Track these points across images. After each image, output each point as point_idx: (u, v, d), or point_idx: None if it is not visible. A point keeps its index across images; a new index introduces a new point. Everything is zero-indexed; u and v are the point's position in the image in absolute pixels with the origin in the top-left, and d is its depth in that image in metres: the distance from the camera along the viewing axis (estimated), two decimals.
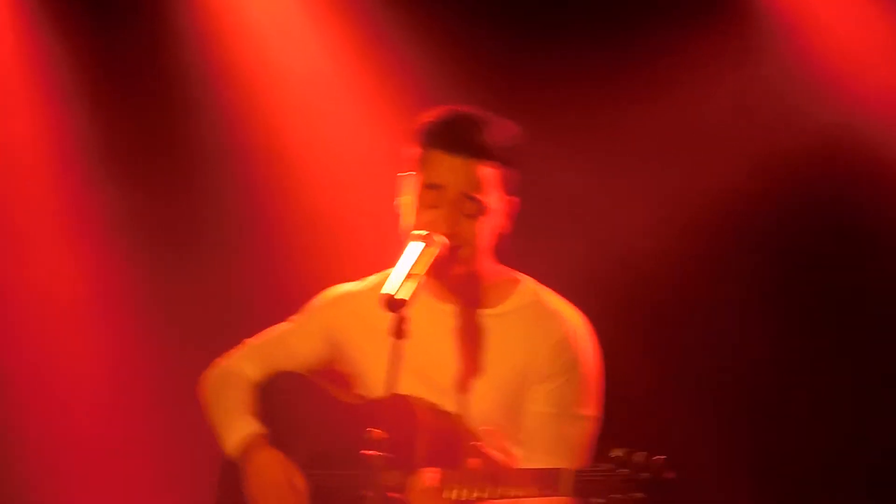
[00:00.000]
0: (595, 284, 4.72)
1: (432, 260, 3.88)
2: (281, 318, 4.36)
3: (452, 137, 4.02)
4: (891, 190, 5.60)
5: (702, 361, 5.74)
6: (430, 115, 4.09)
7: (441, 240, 3.93)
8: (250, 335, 4.38)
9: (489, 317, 4.10)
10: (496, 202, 4.05)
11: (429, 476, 3.84)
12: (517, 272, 4.18)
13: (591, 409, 4.07)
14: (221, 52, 6.18)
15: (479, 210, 4.01)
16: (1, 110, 6.20)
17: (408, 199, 4.09)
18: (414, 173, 4.08)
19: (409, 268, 3.81)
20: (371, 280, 4.26)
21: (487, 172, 4.02)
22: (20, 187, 6.23)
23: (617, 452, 3.59)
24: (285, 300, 4.49)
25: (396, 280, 3.77)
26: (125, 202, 6.26)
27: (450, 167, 4.01)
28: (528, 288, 4.15)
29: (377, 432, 3.70)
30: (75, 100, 6.23)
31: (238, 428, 4.19)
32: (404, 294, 3.73)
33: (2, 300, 6.27)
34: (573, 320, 4.11)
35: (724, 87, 5.72)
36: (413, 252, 3.87)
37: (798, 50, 5.68)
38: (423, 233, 3.93)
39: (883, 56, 5.61)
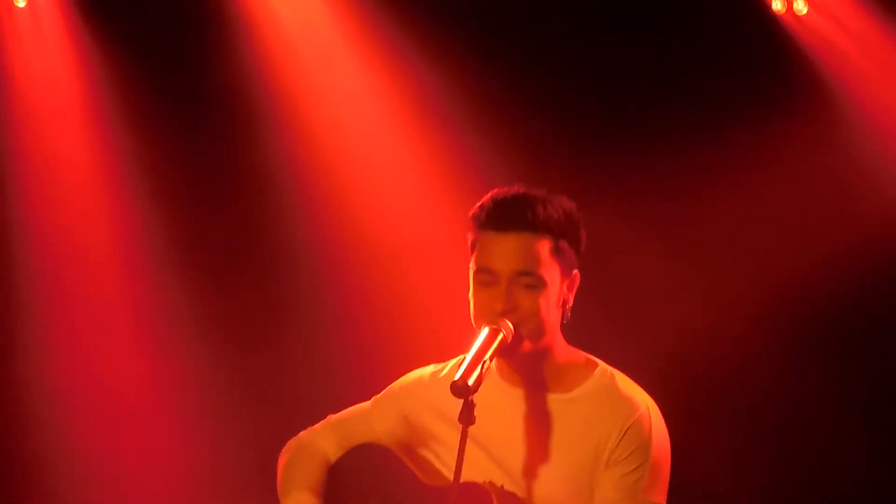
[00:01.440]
0: (664, 373, 4.75)
1: (498, 345, 3.93)
2: (364, 397, 4.43)
3: (500, 215, 4.05)
4: None
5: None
6: (481, 201, 4.12)
7: (508, 326, 3.98)
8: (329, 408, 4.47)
9: (561, 402, 4.12)
10: (554, 276, 4.04)
11: None
12: (591, 356, 4.20)
13: (660, 497, 4.08)
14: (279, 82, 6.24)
15: (536, 284, 4.01)
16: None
17: (472, 288, 4.12)
18: (471, 261, 4.12)
19: (477, 354, 3.89)
20: (449, 364, 4.32)
21: (540, 246, 4.03)
22: (91, 280, 6.30)
23: None
24: (369, 379, 4.57)
25: (464, 367, 3.85)
26: (179, 233, 6.30)
27: (500, 245, 4.03)
28: (603, 372, 4.15)
29: None
30: (128, 135, 6.28)
31: (292, 501, 4.22)
32: (471, 381, 3.81)
33: (73, 392, 6.31)
34: (646, 406, 4.11)
35: (784, 172, 5.78)
36: (480, 338, 3.95)
37: (876, 133, 5.75)
38: (493, 324, 3.98)
39: None
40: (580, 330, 4.23)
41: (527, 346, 4.04)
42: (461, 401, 3.83)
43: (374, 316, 6.23)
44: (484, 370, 3.85)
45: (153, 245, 6.31)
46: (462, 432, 3.82)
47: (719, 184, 5.84)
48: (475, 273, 4.08)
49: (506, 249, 4.04)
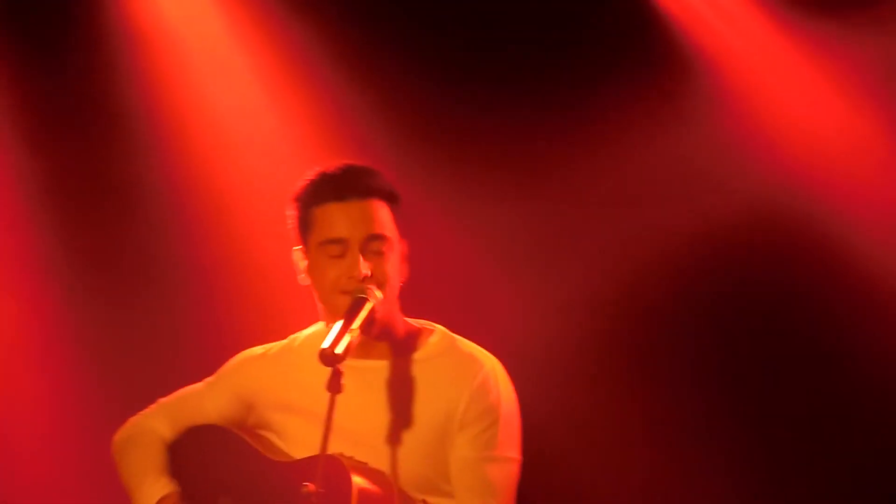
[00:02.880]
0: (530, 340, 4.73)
1: (366, 314, 3.89)
2: (201, 377, 4.36)
3: (340, 185, 4.04)
4: (823, 256, 5.63)
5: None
6: (305, 179, 4.09)
7: (375, 293, 3.94)
8: (165, 392, 4.38)
9: (405, 366, 4.09)
10: (395, 241, 4.05)
11: None
12: (428, 321, 4.18)
13: (513, 452, 4.08)
14: (164, 90, 6.15)
15: (385, 249, 4.01)
16: None
17: (308, 266, 4.08)
18: (304, 240, 4.08)
19: (345, 322, 3.84)
20: (281, 343, 4.27)
21: (383, 211, 4.04)
22: None
23: None
24: (209, 356, 4.49)
25: (332, 335, 3.80)
26: (62, 242, 6.21)
27: (346, 213, 4.02)
28: (443, 334, 4.14)
29: (312, 486, 3.70)
30: (12, 139, 6.19)
31: (149, 489, 4.16)
32: (339, 349, 3.77)
33: None
34: (490, 363, 4.10)
35: (663, 146, 5.74)
36: (349, 308, 3.90)
37: (739, 114, 5.73)
38: (358, 293, 3.93)
39: (824, 126, 5.68)
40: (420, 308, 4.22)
41: (381, 312, 3.98)
42: (316, 372, 3.81)
43: (202, 302, 6.16)
44: (354, 338, 3.81)
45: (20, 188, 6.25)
46: (330, 401, 3.75)
47: (582, 159, 5.82)
48: (321, 247, 4.03)
49: (353, 216, 4.02)
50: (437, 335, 4.14)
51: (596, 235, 5.78)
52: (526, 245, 5.83)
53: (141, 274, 6.18)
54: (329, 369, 3.78)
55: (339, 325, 3.84)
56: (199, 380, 5.44)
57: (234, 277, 6.11)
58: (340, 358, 3.77)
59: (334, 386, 3.78)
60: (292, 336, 4.24)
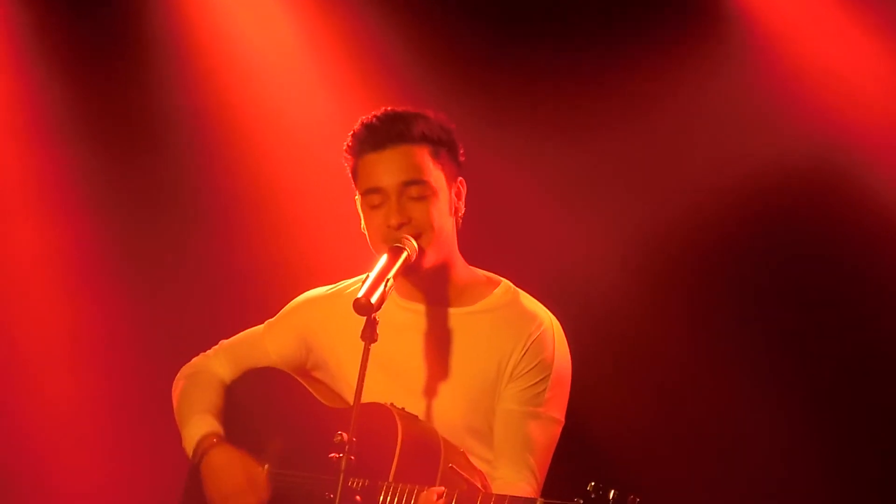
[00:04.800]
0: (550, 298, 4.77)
1: (403, 262, 3.93)
2: (258, 321, 4.39)
3: (374, 135, 4.07)
4: (861, 213, 5.56)
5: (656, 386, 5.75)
6: (353, 129, 4.13)
7: (412, 243, 3.97)
8: (226, 337, 4.40)
9: (464, 315, 4.12)
10: (440, 183, 4.05)
11: (437, 494, 3.84)
12: (495, 275, 4.20)
13: (559, 413, 4.11)
14: (207, 73, 6.17)
15: (425, 194, 4.03)
16: None
17: (363, 217, 4.12)
18: (356, 190, 4.12)
19: (380, 272, 3.88)
20: (344, 284, 4.29)
21: (421, 155, 4.04)
22: None
23: (592, 486, 3.56)
24: (263, 304, 4.52)
25: (367, 284, 3.84)
26: (110, 222, 6.25)
27: (381, 163, 4.05)
28: (507, 288, 4.17)
29: (344, 436, 3.75)
30: (45, 76, 6.20)
31: (193, 428, 4.19)
32: (374, 298, 3.80)
33: None
34: (549, 322, 4.14)
35: (691, 102, 5.70)
36: (384, 257, 3.94)
37: (775, 68, 5.66)
38: (395, 242, 3.97)
39: (861, 81, 5.59)
40: (481, 254, 4.23)
41: (429, 258, 4.03)
42: (363, 319, 3.81)
43: (266, 242, 6.16)
44: (388, 288, 3.84)
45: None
46: (364, 350, 3.80)
47: (611, 113, 5.78)
48: (363, 198, 4.09)
49: (388, 164, 4.05)
50: (502, 288, 4.17)
51: (633, 188, 5.79)
52: (576, 189, 5.82)
53: (181, 239, 6.23)
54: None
55: (374, 273, 3.88)
56: (209, 309, 5.43)
57: (276, 237, 6.14)
58: (375, 308, 3.81)
59: (368, 335, 3.81)
60: (358, 277, 4.23)
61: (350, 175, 4.14)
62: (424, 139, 4.05)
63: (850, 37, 5.62)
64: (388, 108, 4.10)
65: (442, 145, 4.08)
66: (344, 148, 4.12)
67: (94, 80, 6.19)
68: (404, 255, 3.94)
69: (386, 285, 3.84)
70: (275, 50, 6.12)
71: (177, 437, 4.27)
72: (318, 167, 5.94)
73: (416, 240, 3.99)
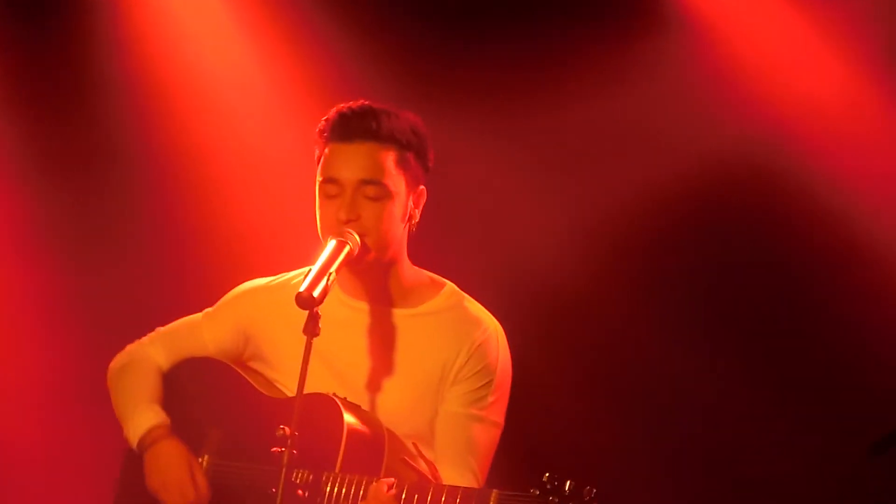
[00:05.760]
0: (499, 290, 4.74)
1: (344, 257, 3.91)
2: (194, 310, 4.35)
3: (345, 127, 4.04)
4: (796, 203, 5.66)
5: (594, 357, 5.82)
6: (328, 114, 4.10)
7: (354, 238, 3.96)
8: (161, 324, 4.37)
9: (407, 317, 4.11)
10: (399, 188, 4.04)
11: (388, 485, 3.82)
12: (438, 276, 4.20)
13: (499, 417, 4.12)
14: (138, 48, 6.11)
15: (380, 195, 4.01)
16: None
17: (318, 203, 4.09)
18: (317, 174, 4.09)
19: (322, 266, 3.86)
20: (287, 276, 4.26)
21: (385, 156, 4.02)
22: None
23: (547, 477, 3.57)
24: (203, 296, 4.46)
25: (310, 278, 3.81)
26: (44, 203, 6.19)
27: (345, 155, 4.03)
28: (452, 291, 4.17)
29: (286, 429, 3.74)
30: None
31: (140, 418, 4.14)
32: (316, 292, 3.78)
33: None
34: (494, 328, 4.15)
35: (636, 92, 5.75)
36: (327, 250, 3.91)
37: (714, 60, 5.72)
38: (339, 236, 3.95)
39: (796, 69, 5.66)
40: (427, 250, 4.23)
41: (371, 257, 4.02)
42: (305, 312, 3.80)
43: (205, 230, 6.13)
44: (330, 282, 3.83)
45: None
46: (306, 344, 3.79)
47: (569, 103, 5.81)
48: (321, 185, 4.07)
49: (350, 159, 4.02)
50: (447, 291, 4.17)
51: (565, 179, 5.83)
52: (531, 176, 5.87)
53: (117, 227, 6.19)
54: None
55: (316, 267, 3.86)
56: (146, 296, 5.37)
57: (217, 228, 6.10)
58: (317, 301, 3.79)
59: (310, 329, 3.79)
60: (299, 270, 4.22)
61: (316, 159, 4.11)
62: (392, 140, 4.03)
63: (789, 29, 5.66)
64: (365, 102, 4.08)
65: (409, 149, 4.06)
66: (316, 130, 4.10)
67: (31, 49, 6.13)
68: (346, 249, 3.92)
69: (328, 279, 3.82)
70: (201, 14, 6.08)
71: (110, 423, 4.23)
72: (264, 159, 5.94)
73: (363, 237, 3.97)
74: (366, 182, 3.99)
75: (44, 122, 6.17)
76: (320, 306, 3.79)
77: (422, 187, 4.11)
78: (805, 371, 5.65)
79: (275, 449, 3.75)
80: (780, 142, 5.63)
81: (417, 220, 4.11)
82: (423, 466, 4.01)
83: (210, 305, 4.32)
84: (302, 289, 3.78)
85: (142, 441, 4.12)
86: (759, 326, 5.70)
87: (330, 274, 3.83)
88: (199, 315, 4.32)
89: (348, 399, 4.02)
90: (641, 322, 5.78)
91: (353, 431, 3.92)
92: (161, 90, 6.11)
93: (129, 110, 6.14)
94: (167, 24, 6.09)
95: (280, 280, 4.25)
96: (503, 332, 4.17)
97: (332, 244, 3.93)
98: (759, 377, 5.67)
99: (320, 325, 3.79)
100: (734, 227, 5.71)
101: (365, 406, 4.05)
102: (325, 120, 4.09)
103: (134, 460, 4.15)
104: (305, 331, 3.78)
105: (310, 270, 3.86)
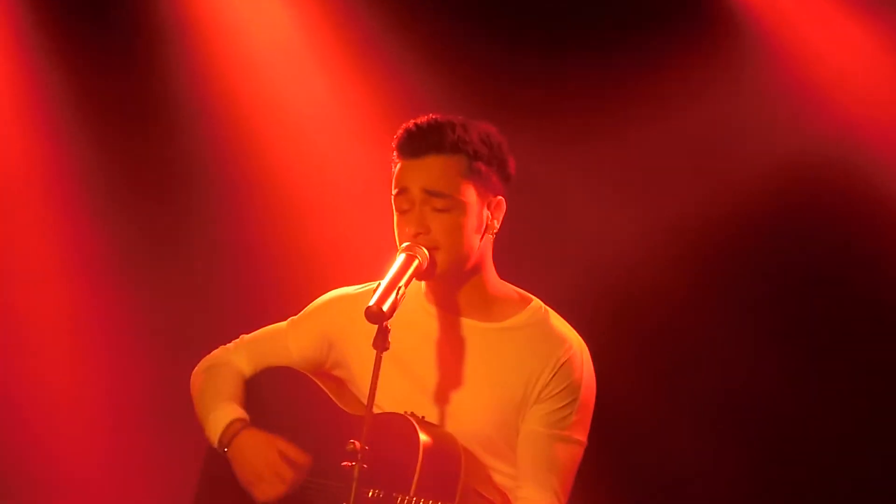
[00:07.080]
0: (583, 302, 4.71)
1: (413, 271, 3.90)
2: (275, 317, 4.35)
3: (412, 141, 4.03)
4: (872, 207, 5.62)
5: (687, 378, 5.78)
6: (399, 130, 4.09)
7: (423, 252, 3.94)
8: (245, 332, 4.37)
9: (492, 331, 4.07)
10: (470, 198, 4.00)
11: None
12: (525, 292, 4.16)
13: (582, 436, 4.08)
14: (215, 72, 6.18)
15: (448, 206, 3.98)
16: None
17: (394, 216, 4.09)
18: (392, 189, 4.09)
19: (391, 280, 3.85)
20: (372, 285, 4.16)
21: (451, 167, 4.00)
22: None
23: None
24: (288, 303, 4.47)
25: (379, 293, 3.81)
26: (119, 221, 6.25)
27: (411, 170, 4.02)
28: (537, 308, 4.12)
29: (357, 444, 3.72)
30: (46, 66, 6.19)
31: (219, 413, 4.14)
32: (385, 306, 3.77)
33: None
34: (578, 345, 4.10)
35: (713, 103, 5.74)
36: (396, 264, 3.91)
37: (786, 70, 5.70)
38: (407, 244, 3.96)
39: (870, 80, 5.64)
40: (509, 263, 4.20)
41: (445, 270, 3.99)
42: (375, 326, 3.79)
43: (293, 240, 6.15)
44: (399, 296, 3.81)
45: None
46: (376, 358, 3.78)
47: (634, 117, 5.81)
48: (394, 199, 4.06)
49: (416, 173, 4.01)
50: (533, 307, 4.13)
51: (647, 191, 5.83)
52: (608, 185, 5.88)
53: (202, 236, 6.25)
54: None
55: (385, 281, 3.85)
56: (231, 304, 5.39)
57: (301, 237, 6.14)
58: (386, 316, 3.78)
59: (380, 343, 3.79)
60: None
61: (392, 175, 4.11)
62: (458, 150, 4.00)
63: (856, 37, 5.67)
64: (434, 116, 4.06)
65: (479, 159, 4.02)
66: (392, 146, 4.09)
67: (98, 71, 6.18)
68: (415, 263, 3.91)
69: (398, 293, 3.80)
70: (275, 39, 6.13)
71: (186, 431, 4.22)
72: (344, 171, 6.00)
73: (432, 251, 3.95)
74: (432, 194, 3.98)
75: (119, 141, 6.22)
76: (398, 317, 3.78)
77: (500, 197, 4.07)
78: None
79: (345, 463, 3.73)
80: (858, 146, 5.59)
81: (497, 230, 4.07)
82: (495, 496, 4.00)
83: (290, 312, 4.32)
84: (371, 303, 3.78)
85: (222, 436, 4.11)
86: (845, 338, 5.64)
87: (399, 288, 3.82)
88: (283, 323, 4.31)
89: (425, 413, 3.99)
90: (728, 339, 5.72)
91: (428, 453, 3.89)
92: (237, 109, 6.16)
93: (204, 130, 6.19)
94: (242, 47, 6.15)
95: (366, 289, 4.21)
96: (587, 350, 4.12)
97: (400, 258, 3.92)
98: (850, 393, 5.63)
99: (403, 334, 3.82)
100: (817, 234, 5.67)
101: (442, 418, 4.02)
102: (395, 139, 4.08)
103: (216, 461, 4.13)
104: (375, 345, 3.77)
105: (378, 285, 3.84)
